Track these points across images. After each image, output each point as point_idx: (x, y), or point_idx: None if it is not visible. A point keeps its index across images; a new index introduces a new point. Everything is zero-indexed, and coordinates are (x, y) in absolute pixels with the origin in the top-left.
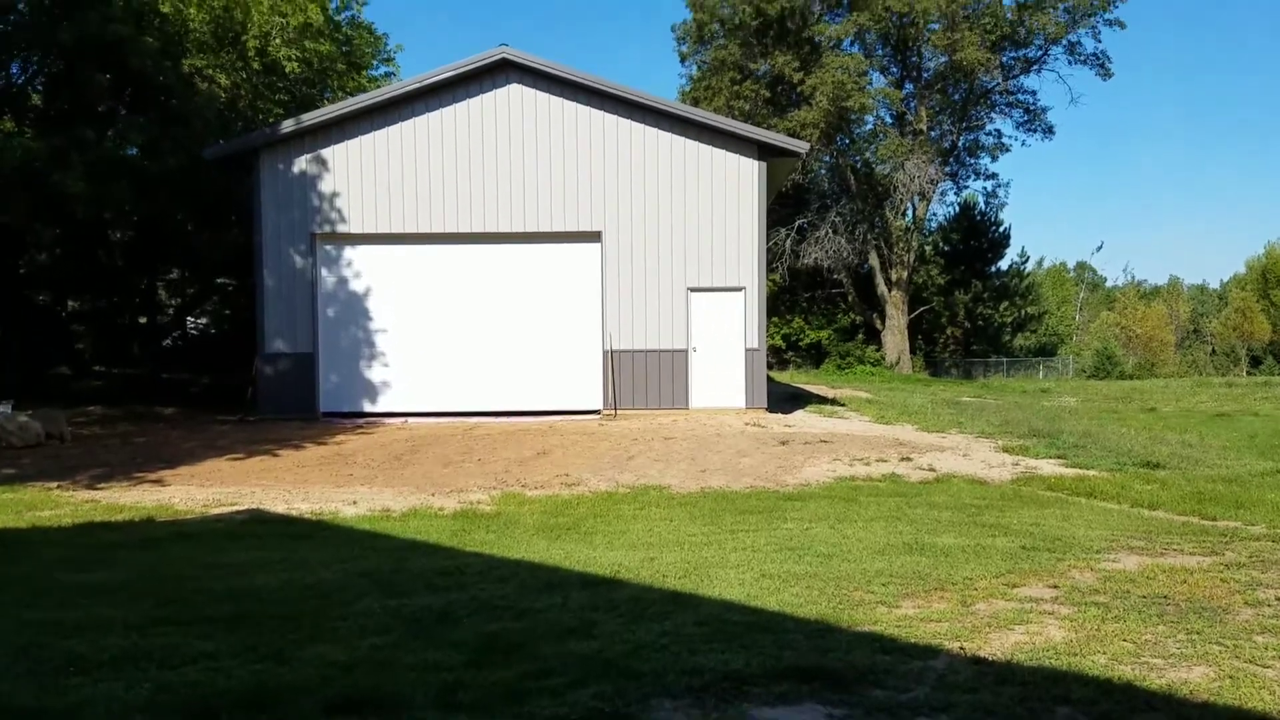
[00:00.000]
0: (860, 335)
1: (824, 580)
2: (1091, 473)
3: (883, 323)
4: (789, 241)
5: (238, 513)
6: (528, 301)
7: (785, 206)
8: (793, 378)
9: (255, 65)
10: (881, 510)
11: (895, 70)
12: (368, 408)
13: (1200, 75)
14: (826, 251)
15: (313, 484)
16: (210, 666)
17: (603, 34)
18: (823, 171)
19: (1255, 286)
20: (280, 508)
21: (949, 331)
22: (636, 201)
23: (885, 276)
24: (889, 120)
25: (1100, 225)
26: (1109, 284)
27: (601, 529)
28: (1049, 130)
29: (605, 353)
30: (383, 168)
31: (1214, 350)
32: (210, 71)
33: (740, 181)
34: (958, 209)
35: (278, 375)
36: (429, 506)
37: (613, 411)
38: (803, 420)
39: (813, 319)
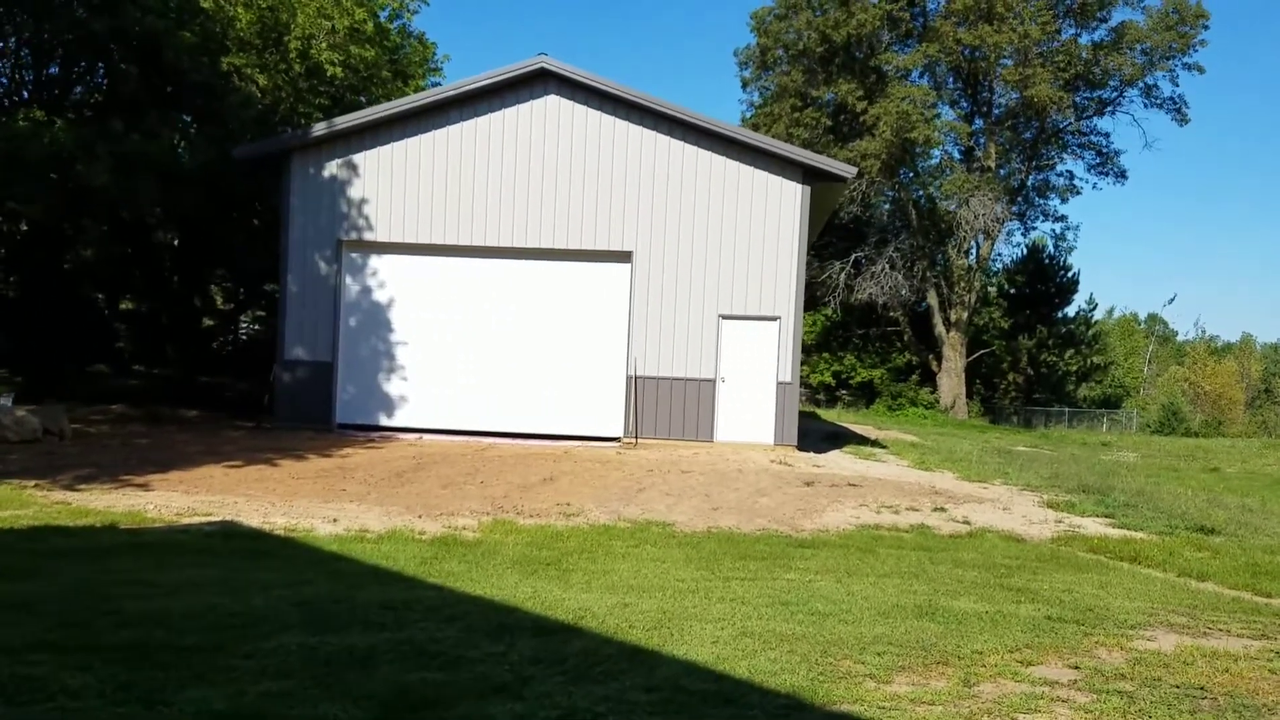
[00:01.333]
0: (915, 376)
1: (811, 644)
2: (1139, 535)
3: (939, 364)
4: (843, 275)
5: (208, 524)
6: (552, 321)
7: (842, 239)
8: (840, 416)
9: (297, 67)
10: (900, 565)
11: (965, 105)
12: (383, 421)
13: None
14: (882, 287)
15: (301, 497)
16: (65, 706)
17: (665, 57)
18: (883, 205)
19: None
20: (255, 521)
21: (1010, 378)
22: (670, 222)
23: (944, 316)
24: (956, 155)
25: (1173, 277)
26: (1180, 338)
27: (584, 566)
28: (1122, 174)
29: (629, 378)
30: (413, 176)
31: None
32: (250, 71)
33: (782, 206)
34: (1025, 250)
35: (295, 383)
36: (410, 529)
37: (633, 440)
38: (835, 461)
39: (866, 357)
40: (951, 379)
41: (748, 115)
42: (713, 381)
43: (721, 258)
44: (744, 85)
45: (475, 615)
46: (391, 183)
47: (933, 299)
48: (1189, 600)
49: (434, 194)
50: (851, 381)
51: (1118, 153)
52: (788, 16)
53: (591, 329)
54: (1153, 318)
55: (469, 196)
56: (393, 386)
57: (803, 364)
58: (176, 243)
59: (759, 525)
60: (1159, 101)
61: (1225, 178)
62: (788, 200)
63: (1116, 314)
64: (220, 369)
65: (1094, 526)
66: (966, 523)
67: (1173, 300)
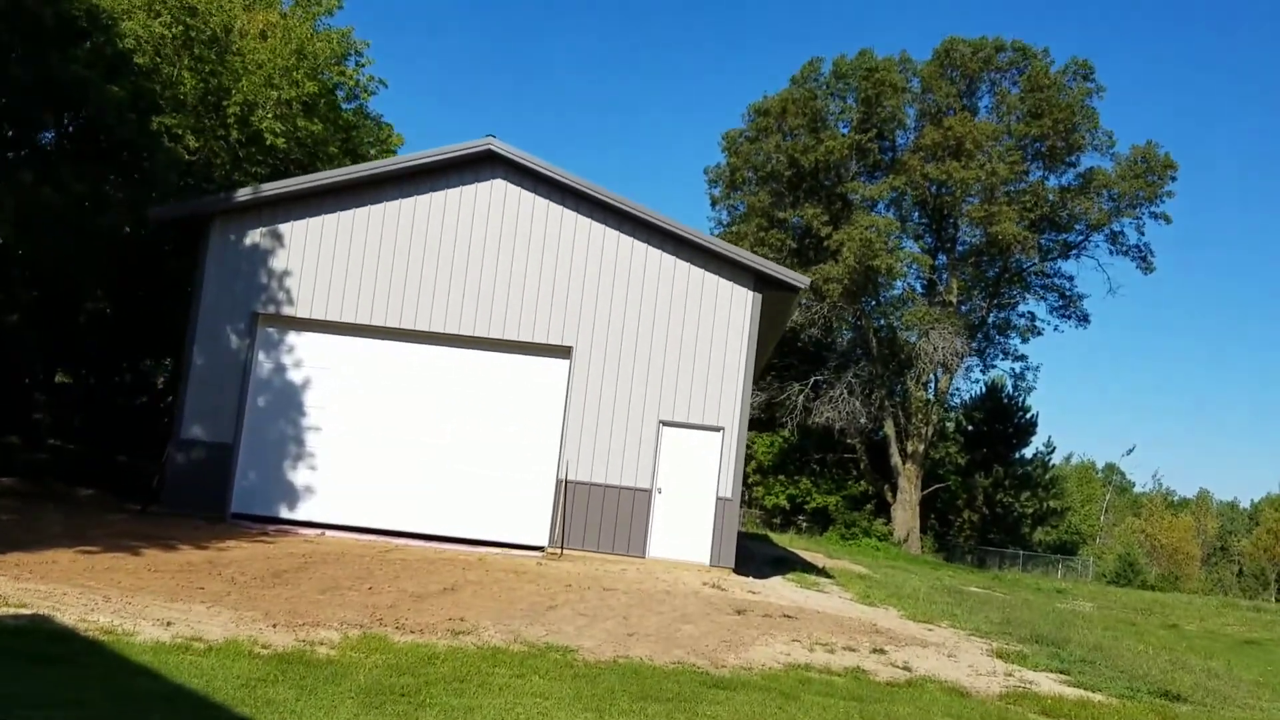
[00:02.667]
0: (869, 506)
1: None
2: (1097, 697)
3: (894, 496)
4: (802, 397)
5: (14, 616)
6: (481, 415)
7: (803, 361)
8: (791, 541)
9: (235, 134)
10: (825, 718)
11: (929, 239)
12: (284, 514)
13: (1246, 283)
14: (840, 412)
15: (146, 593)
16: None
17: (639, 169)
18: (844, 330)
19: None
20: (72, 618)
21: (965, 515)
22: (615, 319)
23: (900, 447)
24: (919, 289)
25: (1132, 427)
26: (1137, 489)
27: (444, 701)
28: (1084, 318)
29: (559, 482)
30: (342, 252)
31: (1241, 571)
32: (181, 132)
33: (732, 311)
34: (984, 388)
35: (190, 465)
36: (253, 641)
37: (558, 551)
38: (774, 588)
39: (822, 482)
40: (906, 511)
41: (715, 233)
42: (648, 492)
43: (666, 360)
44: (713, 203)
45: None
46: (319, 257)
47: (890, 429)
48: None
49: (363, 272)
50: (807, 506)
51: (1081, 296)
52: (758, 139)
53: (523, 427)
54: (1110, 467)
55: (401, 278)
56: (299, 475)
57: (758, 485)
58: (109, 312)
59: (675, 657)
60: (1124, 249)
61: (1188, 330)
62: (738, 306)
63: (1075, 460)
64: (146, 447)
65: (1048, 683)
66: (907, 669)
67: (1131, 451)
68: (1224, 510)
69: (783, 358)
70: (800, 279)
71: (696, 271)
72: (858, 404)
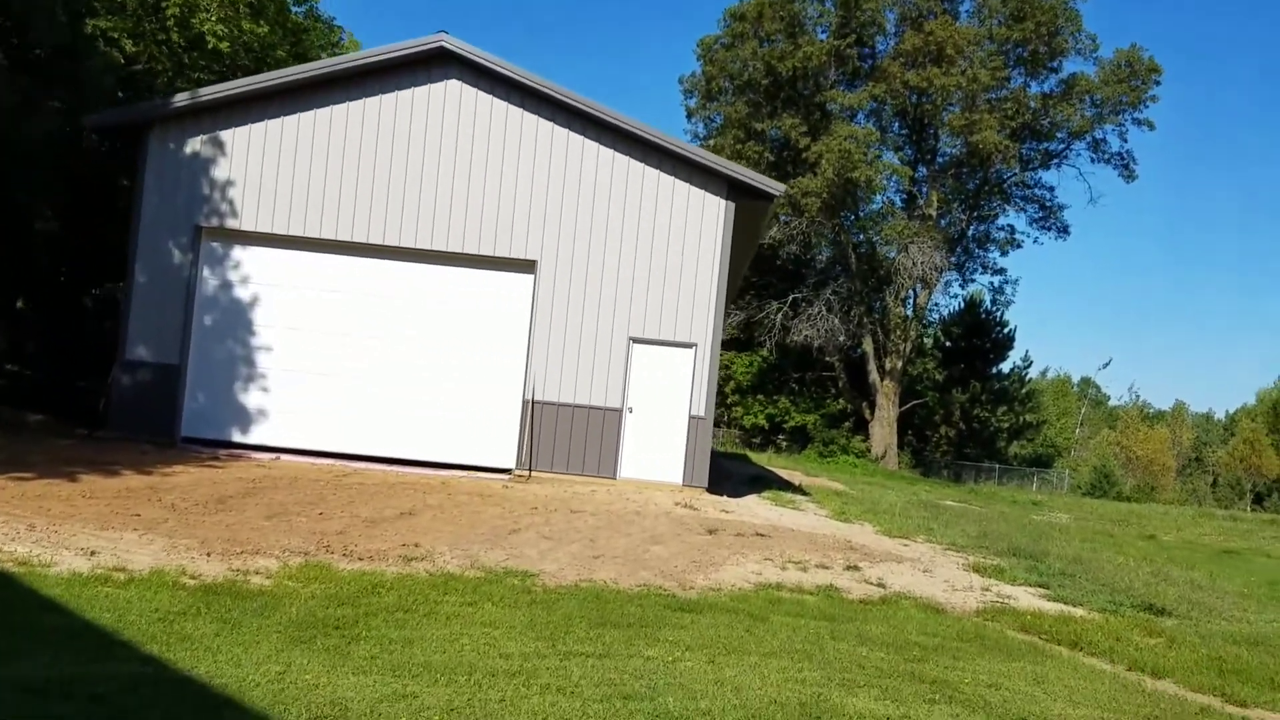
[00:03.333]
0: (848, 424)
1: None
2: (1079, 611)
3: (872, 413)
4: (780, 316)
5: None
6: (442, 333)
7: (781, 280)
8: (770, 460)
9: (175, 36)
10: (793, 639)
11: (909, 151)
12: (236, 437)
13: (1223, 196)
14: (819, 330)
15: (76, 521)
16: None
17: (611, 76)
18: (823, 246)
19: (1266, 419)
20: None
21: (942, 431)
22: (581, 231)
23: (878, 364)
24: (898, 202)
25: (1109, 340)
26: (1112, 402)
27: (381, 633)
28: (1064, 230)
29: (526, 402)
30: (288, 159)
31: (1216, 481)
32: (118, 36)
33: (704, 221)
34: (963, 304)
35: (137, 388)
36: (182, 571)
37: (526, 473)
38: (748, 507)
39: (800, 401)
40: (883, 428)
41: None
42: (619, 411)
43: (635, 274)
44: (689, 115)
45: (161, 712)
46: (263, 165)
47: (868, 346)
48: (1147, 708)
49: (311, 181)
50: (785, 425)
51: (1061, 207)
52: (734, 46)
53: (487, 345)
54: (1086, 381)
55: (352, 188)
56: (250, 398)
57: (736, 405)
58: (62, 233)
59: (641, 580)
60: (1106, 156)
61: (1167, 241)
62: (710, 216)
63: (1051, 375)
64: (106, 373)
65: (1026, 598)
66: (881, 585)
67: (1108, 364)
68: (1199, 422)
69: (761, 276)
70: (775, 185)
71: (666, 179)
72: (836, 321)
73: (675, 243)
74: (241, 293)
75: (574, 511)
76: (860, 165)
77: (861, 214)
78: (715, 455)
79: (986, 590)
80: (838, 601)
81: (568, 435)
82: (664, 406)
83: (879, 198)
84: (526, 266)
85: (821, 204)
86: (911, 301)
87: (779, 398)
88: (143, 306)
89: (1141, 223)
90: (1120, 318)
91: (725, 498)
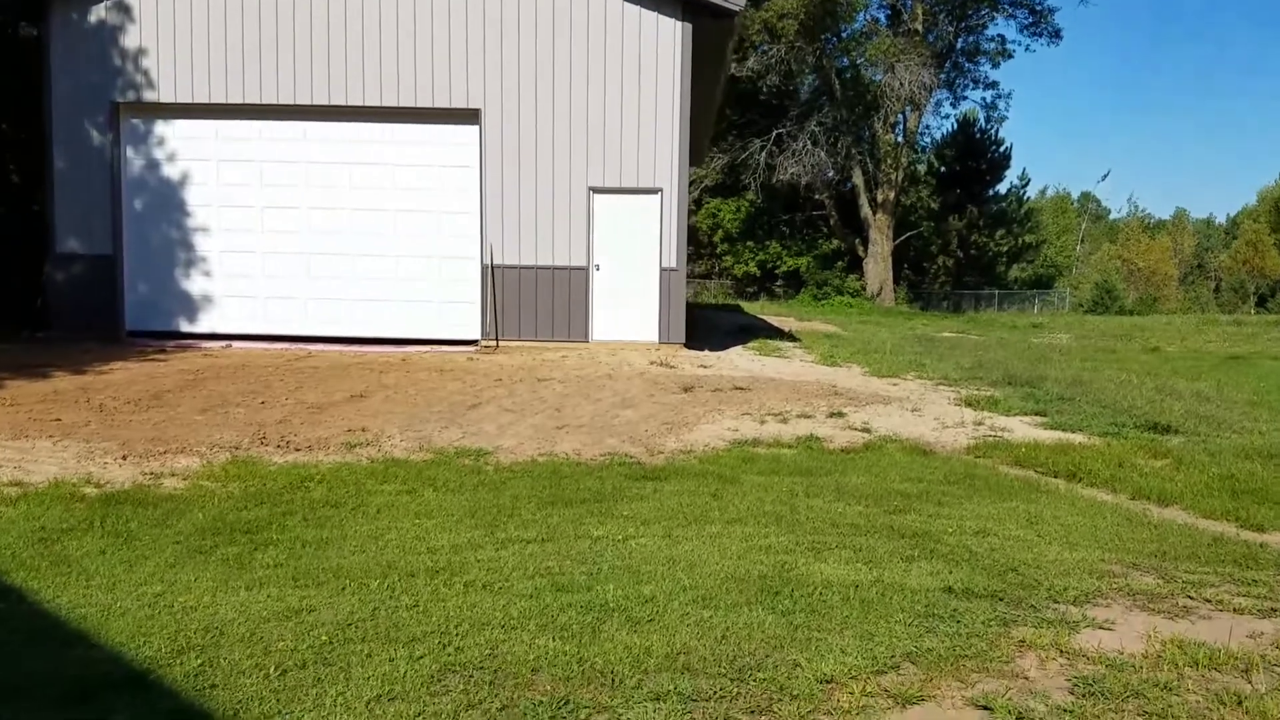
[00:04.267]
0: (840, 264)
1: (557, 679)
2: (1078, 438)
3: (865, 249)
4: (764, 155)
5: None
6: (390, 200)
7: (765, 116)
8: (763, 309)
9: None
10: (763, 500)
11: None
12: (184, 327)
13: None
14: (805, 166)
15: None
16: None
17: None
18: (806, 75)
19: (1268, 218)
20: None
21: (940, 261)
22: (525, 72)
23: (870, 197)
24: (883, 20)
25: (1106, 151)
26: (1113, 216)
27: (296, 535)
28: (1056, 34)
29: (485, 268)
30: (202, 18)
31: (1219, 286)
32: None
33: (659, 49)
34: (956, 124)
35: (72, 283)
36: (88, 480)
37: (494, 343)
38: (730, 360)
39: (791, 244)
40: (878, 264)
41: None
42: (585, 270)
43: (589, 116)
44: None
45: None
46: (175, 28)
47: (858, 178)
48: (1154, 543)
49: (228, 40)
50: (777, 271)
51: (1052, 10)
52: None
53: (439, 209)
54: (1086, 196)
55: (272, 42)
56: (193, 284)
57: (726, 254)
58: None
59: (607, 448)
60: None
61: (1162, 39)
62: (665, 41)
63: (1050, 193)
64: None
65: (1022, 428)
66: (866, 430)
67: (1106, 177)
68: (1200, 228)
69: (742, 114)
70: (735, 1)
71: (614, 3)
72: (823, 155)
73: (630, 76)
74: (170, 171)
75: (540, 380)
76: None
77: (844, 35)
78: (701, 309)
79: (979, 425)
80: (817, 453)
81: (533, 300)
82: (633, 261)
83: (861, 16)
84: (469, 116)
85: (799, 26)
86: (901, 127)
87: (769, 242)
88: (67, 196)
89: (1135, 18)
90: (1117, 125)
91: (706, 352)
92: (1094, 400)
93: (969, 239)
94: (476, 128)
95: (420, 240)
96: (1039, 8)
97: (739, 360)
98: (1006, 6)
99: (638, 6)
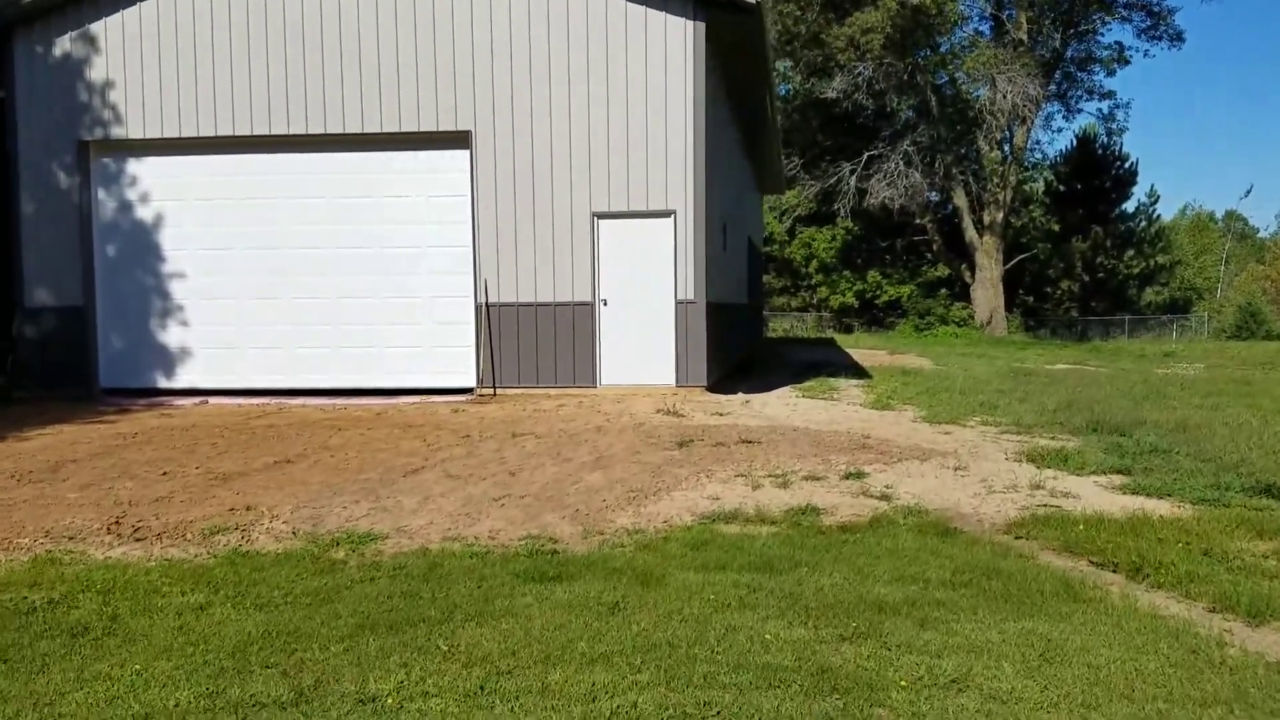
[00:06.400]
0: (944, 291)
1: None
2: (1163, 507)
3: (973, 275)
4: (854, 178)
5: None
6: (371, 234)
7: (859, 139)
8: (857, 341)
9: None
10: (674, 618)
11: None
12: (162, 383)
13: None
14: (898, 189)
15: None
16: None
17: None
18: (893, 92)
19: None
20: None
21: (1064, 285)
22: (519, 88)
23: (975, 219)
24: (987, 33)
25: (1247, 166)
26: (1261, 234)
27: None
28: (1177, 37)
29: (479, 307)
30: (170, 47)
31: None
32: None
33: (668, 52)
34: (1073, 141)
35: (43, 338)
36: None
37: (490, 391)
38: (760, 405)
39: (893, 273)
40: (987, 290)
41: None
42: (590, 306)
43: (592, 131)
44: None
45: None
46: (143, 57)
47: (960, 199)
48: (1222, 705)
49: (199, 70)
50: (877, 301)
51: (1171, 10)
52: None
53: (426, 243)
54: (1231, 215)
55: (245, 70)
56: (170, 335)
57: (821, 285)
58: None
59: (534, 529)
60: None
61: None
62: (675, 43)
63: (1189, 212)
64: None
65: (1092, 493)
66: (885, 497)
67: (1249, 192)
68: None
69: (834, 138)
70: None
71: (616, 4)
72: (918, 176)
73: (635, 84)
74: (143, 213)
75: (515, 435)
76: None
77: (942, 49)
78: (783, 343)
79: (1036, 489)
80: (804, 532)
81: (533, 341)
82: (645, 294)
83: (961, 31)
84: (459, 139)
85: (886, 41)
86: (1009, 144)
87: (869, 272)
88: (35, 244)
89: (1267, 14)
90: (1259, 135)
91: (738, 395)
92: (1197, 452)
93: (1095, 261)
94: (467, 151)
95: (409, 279)
96: (1156, 9)
97: (772, 405)
98: (1120, 10)
99: (642, 6)
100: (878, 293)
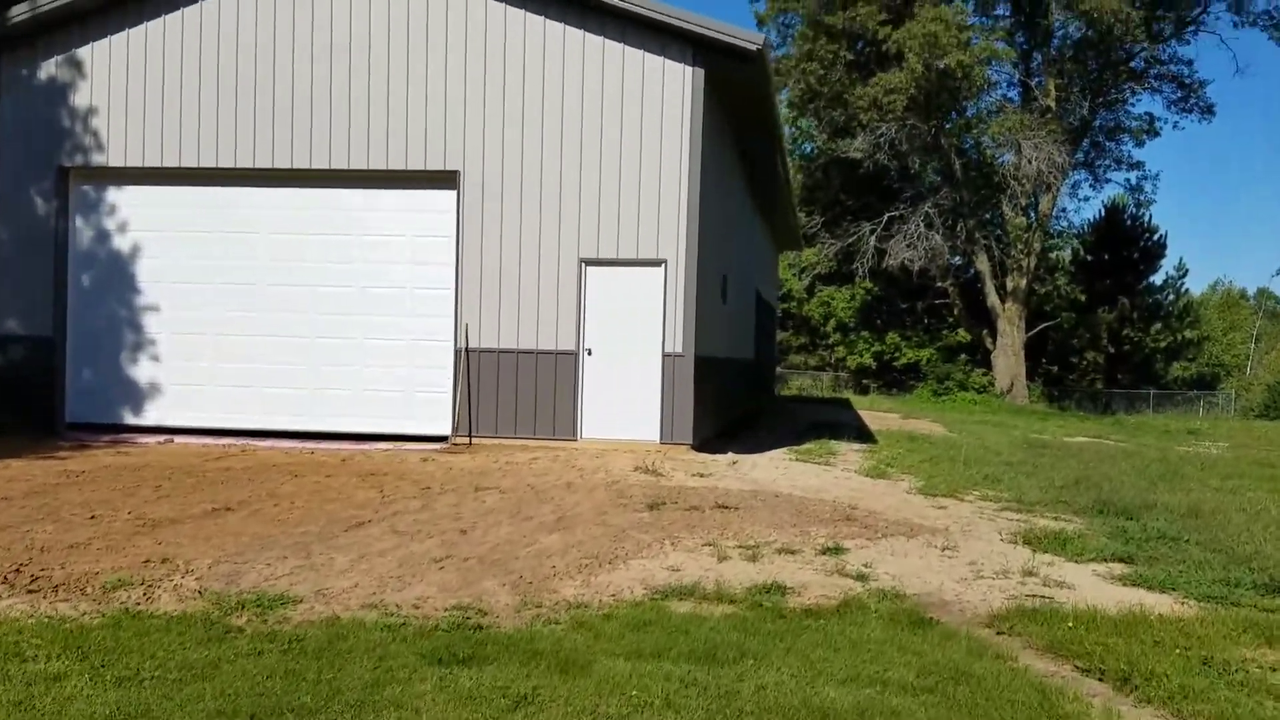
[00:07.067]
0: (964, 357)
1: None
2: (1164, 602)
3: (994, 341)
4: (874, 238)
5: None
6: (352, 273)
7: (882, 199)
8: (872, 404)
9: None
10: None
11: (1021, 39)
12: (129, 419)
13: None
14: (919, 251)
15: None
16: None
17: None
18: (914, 153)
19: None
20: None
21: (1089, 356)
22: (510, 129)
23: (997, 284)
24: (1016, 99)
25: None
26: None
27: None
28: (1208, 110)
29: (458, 352)
30: (156, 76)
31: None
32: None
33: (664, 98)
34: (1102, 212)
35: (11, 369)
36: None
37: (466, 439)
38: (747, 467)
39: (912, 335)
40: (1008, 358)
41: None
42: (574, 355)
43: (584, 176)
44: (759, 22)
45: None
46: (128, 85)
47: (983, 264)
48: None
49: (184, 99)
50: (895, 364)
51: (1202, 83)
52: None
53: (409, 284)
54: (1262, 293)
55: (231, 102)
56: (140, 370)
57: (839, 345)
58: None
59: (468, 597)
60: (1251, 17)
61: None
62: (672, 89)
63: (1220, 287)
64: None
65: (1089, 583)
66: (861, 577)
67: None
68: None
69: (857, 197)
70: (752, 36)
71: (614, 47)
72: (938, 239)
73: (631, 129)
74: (121, 243)
75: (479, 489)
76: (950, 50)
77: (968, 114)
78: (794, 401)
79: (1029, 575)
80: (762, 614)
81: (513, 389)
82: (631, 345)
83: (989, 97)
84: (446, 180)
85: (910, 102)
86: (1034, 210)
87: (889, 334)
88: (8, 271)
89: None
90: None
91: (726, 455)
92: (1208, 541)
93: (1120, 333)
94: (454, 192)
95: (389, 320)
96: (1188, 80)
97: (761, 467)
98: (1151, 80)
99: (640, 51)
100: (896, 355)
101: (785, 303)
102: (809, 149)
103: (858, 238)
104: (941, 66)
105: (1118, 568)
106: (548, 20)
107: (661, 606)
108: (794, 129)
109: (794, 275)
